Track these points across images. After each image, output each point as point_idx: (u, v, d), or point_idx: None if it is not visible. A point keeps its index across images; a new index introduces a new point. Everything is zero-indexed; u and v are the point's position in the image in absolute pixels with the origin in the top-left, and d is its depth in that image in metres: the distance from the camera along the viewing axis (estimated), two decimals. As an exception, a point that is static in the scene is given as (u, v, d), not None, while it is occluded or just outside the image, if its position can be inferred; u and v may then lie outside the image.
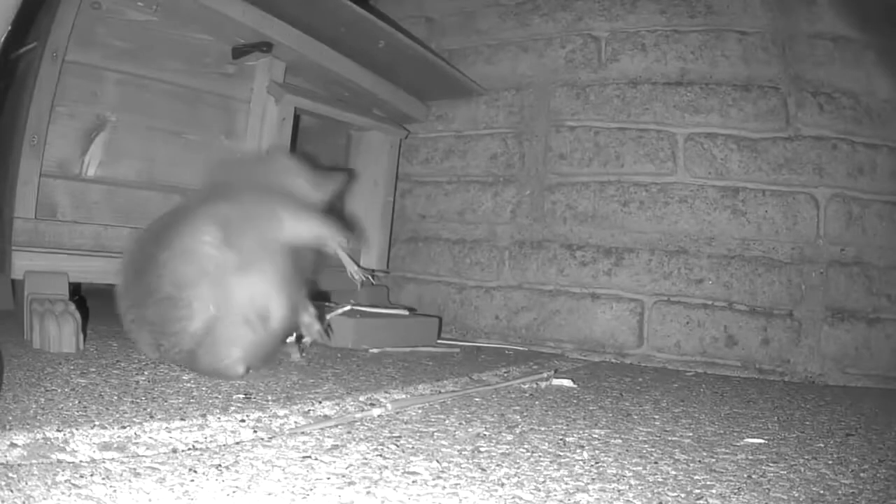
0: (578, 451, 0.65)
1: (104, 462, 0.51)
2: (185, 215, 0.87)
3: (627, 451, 0.66)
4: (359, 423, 0.69)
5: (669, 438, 0.72)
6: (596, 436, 0.71)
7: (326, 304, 1.26)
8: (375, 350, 1.20)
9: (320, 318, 0.99)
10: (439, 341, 1.38)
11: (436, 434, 0.67)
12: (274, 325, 0.85)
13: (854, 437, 0.79)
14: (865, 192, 1.29)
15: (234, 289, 0.81)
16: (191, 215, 0.86)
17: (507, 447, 0.64)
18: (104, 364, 0.87)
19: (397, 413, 0.75)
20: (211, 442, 0.58)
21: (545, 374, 1.04)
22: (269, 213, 0.89)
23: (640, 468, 0.60)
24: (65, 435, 0.56)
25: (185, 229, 0.84)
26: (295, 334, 1.04)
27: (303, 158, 1.12)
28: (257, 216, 0.88)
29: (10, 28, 0.67)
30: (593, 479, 0.56)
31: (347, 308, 1.23)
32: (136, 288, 0.85)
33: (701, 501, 0.52)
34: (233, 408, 0.70)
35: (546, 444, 0.66)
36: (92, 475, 0.47)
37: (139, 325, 0.86)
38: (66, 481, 0.46)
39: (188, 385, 0.80)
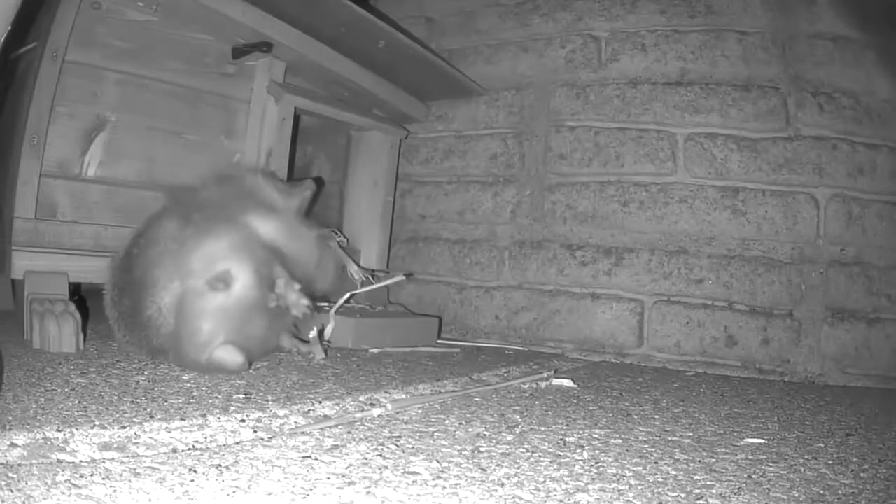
0: (578, 451, 0.65)
1: (104, 462, 0.51)
2: (151, 218, 0.93)
3: (627, 451, 0.66)
4: (359, 423, 0.69)
5: (669, 438, 0.72)
6: (596, 436, 0.71)
7: (326, 304, 1.26)
8: (375, 350, 1.20)
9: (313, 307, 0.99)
10: (439, 341, 1.38)
11: (436, 434, 0.67)
12: (239, 289, 0.85)
13: (854, 437, 0.79)
14: (865, 192, 1.29)
15: (192, 256, 0.84)
16: (155, 214, 0.93)
17: (507, 447, 0.64)
18: (104, 364, 0.87)
19: (397, 413, 0.75)
20: (211, 442, 0.58)
21: (545, 374, 1.04)
22: (226, 193, 0.95)
23: (640, 468, 0.60)
24: (65, 435, 0.56)
25: (150, 224, 0.90)
26: (316, 329, 1.05)
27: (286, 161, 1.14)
28: (215, 196, 0.94)
29: (10, 28, 0.67)
30: (593, 479, 0.56)
31: (348, 296, 1.23)
32: (117, 293, 0.90)
33: (701, 501, 0.52)
34: (233, 408, 0.70)
35: (546, 444, 0.66)
36: (92, 475, 0.47)
37: (124, 326, 0.89)
38: (66, 481, 0.46)
39: (188, 385, 0.80)
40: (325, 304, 1.26)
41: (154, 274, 0.84)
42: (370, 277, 1.42)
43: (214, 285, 0.83)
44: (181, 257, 0.84)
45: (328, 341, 1.13)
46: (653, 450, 0.67)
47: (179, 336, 0.84)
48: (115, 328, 0.90)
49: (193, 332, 0.84)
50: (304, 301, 0.92)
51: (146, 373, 0.85)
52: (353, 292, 1.27)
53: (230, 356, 0.84)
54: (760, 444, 0.72)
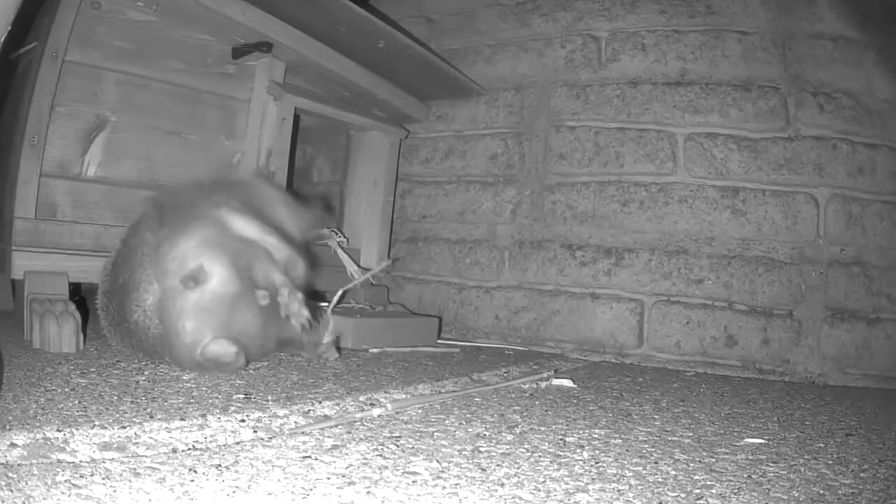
0: (578, 451, 0.65)
1: (104, 462, 0.51)
2: (132, 226, 0.93)
3: (627, 451, 0.66)
4: (359, 423, 0.69)
5: (669, 438, 0.72)
6: (596, 436, 0.71)
7: (325, 303, 1.25)
8: (375, 350, 1.20)
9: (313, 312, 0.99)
10: (439, 341, 1.38)
11: (436, 434, 0.67)
12: (216, 284, 0.85)
13: (854, 437, 0.79)
14: (865, 192, 1.29)
15: (166, 257, 0.85)
16: (135, 222, 0.93)
17: (507, 447, 0.64)
18: (104, 364, 0.87)
19: (397, 413, 0.75)
20: (211, 442, 0.58)
21: (545, 374, 1.04)
22: (203, 194, 0.95)
23: (640, 468, 0.60)
24: (65, 435, 0.56)
25: (131, 231, 0.91)
26: (335, 332, 1.05)
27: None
28: (192, 198, 0.93)
29: (10, 28, 0.67)
30: (593, 479, 0.56)
31: (341, 293, 1.22)
32: (106, 300, 0.90)
33: (701, 501, 0.52)
34: (233, 408, 0.70)
35: (546, 444, 0.66)
36: (92, 475, 0.47)
37: (115, 332, 0.89)
38: (66, 481, 0.46)
39: (188, 385, 0.80)
40: (324, 303, 1.26)
41: (136, 278, 0.85)
42: (370, 277, 1.41)
43: (186, 283, 0.83)
44: (157, 258, 0.85)
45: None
46: (653, 450, 0.67)
47: (168, 337, 0.84)
48: (109, 335, 0.91)
49: (179, 332, 0.84)
50: (306, 313, 0.91)
51: (146, 373, 0.85)
52: (345, 287, 1.26)
53: (223, 349, 0.84)
54: (760, 444, 0.72)
